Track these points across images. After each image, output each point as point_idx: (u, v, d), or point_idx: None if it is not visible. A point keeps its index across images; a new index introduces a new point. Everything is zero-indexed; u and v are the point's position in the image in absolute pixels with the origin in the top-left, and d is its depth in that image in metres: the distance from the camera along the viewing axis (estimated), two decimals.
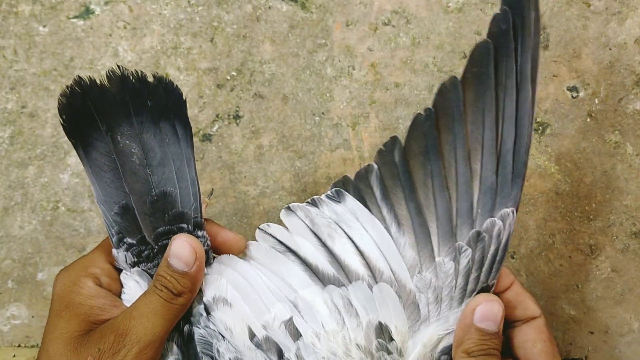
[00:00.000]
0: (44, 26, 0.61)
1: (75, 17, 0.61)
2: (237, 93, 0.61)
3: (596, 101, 0.60)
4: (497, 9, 0.37)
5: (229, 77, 0.61)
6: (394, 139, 0.39)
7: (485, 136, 0.37)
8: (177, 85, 0.41)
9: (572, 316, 0.61)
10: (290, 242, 0.40)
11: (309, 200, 0.40)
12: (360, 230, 0.39)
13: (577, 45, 0.60)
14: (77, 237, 0.62)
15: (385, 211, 0.39)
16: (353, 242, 0.39)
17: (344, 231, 0.39)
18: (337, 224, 0.39)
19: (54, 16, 0.61)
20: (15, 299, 0.62)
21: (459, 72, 0.61)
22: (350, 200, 0.40)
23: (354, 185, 0.40)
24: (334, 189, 0.40)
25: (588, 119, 0.60)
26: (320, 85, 0.61)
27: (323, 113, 0.61)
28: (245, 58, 0.61)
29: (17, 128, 0.61)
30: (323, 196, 0.40)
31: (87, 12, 0.61)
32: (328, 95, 0.61)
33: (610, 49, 0.59)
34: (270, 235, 0.41)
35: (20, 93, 0.61)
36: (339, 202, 0.40)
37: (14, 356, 0.62)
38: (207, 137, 0.61)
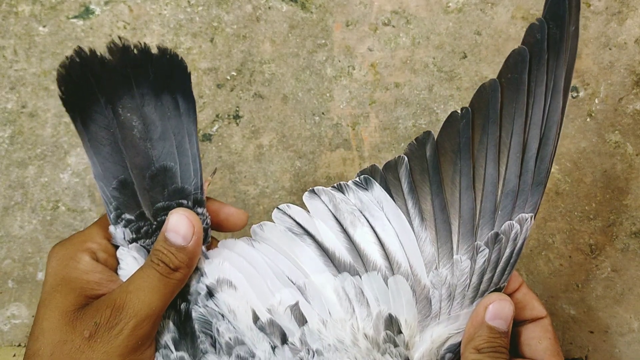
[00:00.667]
0: (44, 26, 0.61)
1: (75, 17, 0.61)
2: (237, 93, 0.61)
3: (596, 101, 0.60)
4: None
5: (229, 77, 0.61)
6: (428, 134, 0.39)
7: (512, 140, 0.38)
8: (182, 58, 0.40)
9: (572, 316, 0.61)
10: (309, 225, 0.40)
11: (334, 185, 0.40)
12: (383, 221, 0.39)
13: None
14: None
15: (410, 204, 0.39)
16: (375, 231, 0.39)
17: (367, 220, 0.39)
18: (361, 212, 0.39)
19: (54, 16, 0.61)
20: (15, 299, 0.62)
21: (459, 72, 0.61)
22: (377, 189, 0.39)
23: (382, 175, 0.40)
24: (362, 176, 0.40)
25: (588, 119, 0.60)
26: (320, 85, 0.61)
27: (323, 113, 0.61)
28: (245, 58, 0.61)
29: (17, 128, 0.61)
30: (350, 182, 0.40)
31: (87, 12, 0.61)
32: (328, 95, 0.61)
33: (610, 49, 0.59)
34: (289, 216, 0.40)
35: (20, 93, 0.61)
36: (366, 189, 0.40)
37: (14, 356, 0.62)
38: (207, 137, 0.61)
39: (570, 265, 0.61)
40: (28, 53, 0.61)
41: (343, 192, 0.40)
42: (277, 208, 0.40)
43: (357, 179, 0.40)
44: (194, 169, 0.40)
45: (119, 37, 0.39)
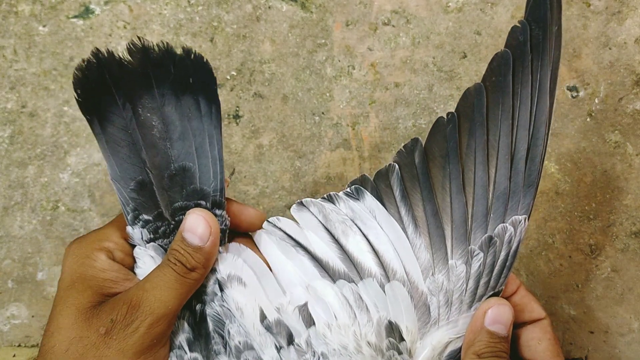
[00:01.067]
0: (44, 26, 0.61)
1: (75, 17, 0.61)
2: (237, 93, 0.61)
3: (596, 101, 0.60)
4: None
5: (229, 77, 0.61)
6: (415, 141, 0.39)
7: (500, 143, 0.38)
8: (207, 60, 0.40)
9: (572, 316, 0.61)
10: (300, 237, 0.40)
11: (324, 196, 0.40)
12: (376, 229, 0.39)
13: (577, 45, 0.60)
14: None
15: (403, 212, 0.39)
16: (368, 240, 0.39)
17: (360, 229, 0.39)
18: (353, 222, 0.39)
19: (54, 16, 0.61)
20: (15, 299, 0.62)
21: (459, 71, 0.61)
22: (369, 199, 0.39)
23: (373, 185, 0.40)
24: (353, 186, 0.40)
25: (588, 119, 0.60)
26: (320, 85, 0.61)
27: (323, 113, 0.61)
28: (245, 58, 0.61)
29: (17, 128, 0.61)
30: (340, 193, 0.40)
31: (87, 12, 0.61)
32: (328, 95, 0.61)
33: (610, 49, 0.59)
34: (280, 229, 0.40)
35: (20, 93, 0.61)
36: (358, 199, 0.40)
37: (14, 356, 0.62)
38: None
39: (570, 265, 0.61)
40: (28, 53, 0.61)
41: (333, 203, 0.40)
42: (267, 221, 0.41)
43: (348, 189, 0.40)
44: (214, 171, 0.40)
45: (139, 37, 0.38)
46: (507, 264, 0.38)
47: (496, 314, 0.37)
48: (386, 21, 0.61)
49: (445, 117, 0.39)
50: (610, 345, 0.61)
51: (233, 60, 0.61)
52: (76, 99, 0.39)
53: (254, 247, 0.41)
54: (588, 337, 0.61)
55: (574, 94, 0.60)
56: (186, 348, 0.38)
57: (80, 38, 0.61)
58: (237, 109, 0.61)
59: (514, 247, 0.38)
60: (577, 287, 0.61)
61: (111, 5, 0.61)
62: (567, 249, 0.61)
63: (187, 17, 0.61)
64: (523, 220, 0.38)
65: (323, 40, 0.61)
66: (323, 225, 0.40)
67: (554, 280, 0.61)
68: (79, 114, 0.61)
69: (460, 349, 0.38)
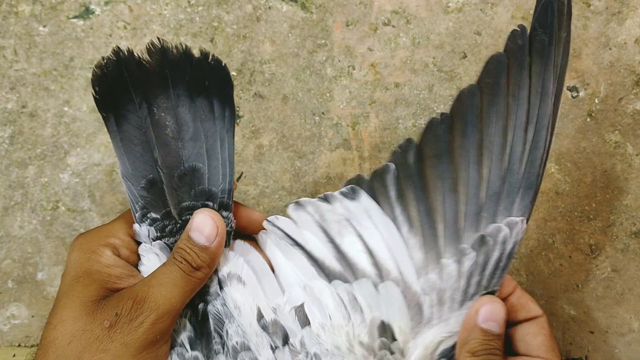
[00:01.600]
0: (44, 26, 0.61)
1: (75, 17, 0.61)
2: (237, 93, 0.61)
3: (596, 101, 0.60)
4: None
5: None
6: (409, 141, 0.39)
7: (494, 143, 0.38)
8: (225, 64, 0.40)
9: (572, 316, 0.61)
10: (297, 236, 0.40)
11: (320, 195, 0.41)
12: (371, 229, 0.39)
13: (577, 45, 0.60)
14: None
15: (398, 211, 0.39)
16: (363, 240, 0.39)
17: (355, 228, 0.39)
18: (349, 221, 0.40)
19: (54, 16, 0.61)
20: (15, 299, 0.62)
21: (459, 72, 0.61)
22: (364, 199, 0.40)
23: (369, 184, 0.40)
24: (349, 186, 0.40)
25: (588, 119, 0.60)
26: (320, 85, 0.61)
27: (323, 113, 0.61)
28: (245, 58, 0.61)
29: (17, 128, 0.61)
30: (336, 193, 0.40)
31: (87, 12, 0.61)
32: (328, 95, 0.61)
33: (610, 49, 0.59)
34: (278, 227, 0.41)
35: (20, 93, 0.61)
36: (353, 199, 0.40)
37: (14, 356, 0.62)
38: None
39: (570, 265, 0.61)
40: (28, 53, 0.61)
41: (329, 203, 0.40)
42: (267, 220, 0.41)
43: (344, 189, 0.40)
44: (223, 173, 0.40)
45: (158, 38, 0.39)
46: (502, 264, 0.38)
47: (489, 312, 0.37)
48: (386, 21, 0.61)
49: (439, 118, 0.39)
50: (610, 345, 0.61)
51: (233, 60, 0.61)
52: (94, 96, 0.39)
53: (258, 248, 0.42)
54: (588, 337, 0.61)
55: (574, 94, 0.60)
56: (187, 346, 0.38)
57: (80, 38, 0.61)
58: (237, 109, 0.61)
59: (509, 248, 0.38)
60: (577, 287, 0.61)
61: (111, 6, 0.61)
62: (567, 249, 0.61)
63: (187, 17, 0.61)
64: (520, 222, 0.38)
65: (323, 41, 0.61)
66: (319, 224, 0.40)
67: (554, 280, 0.61)
68: (79, 114, 0.61)
69: (452, 347, 0.38)
